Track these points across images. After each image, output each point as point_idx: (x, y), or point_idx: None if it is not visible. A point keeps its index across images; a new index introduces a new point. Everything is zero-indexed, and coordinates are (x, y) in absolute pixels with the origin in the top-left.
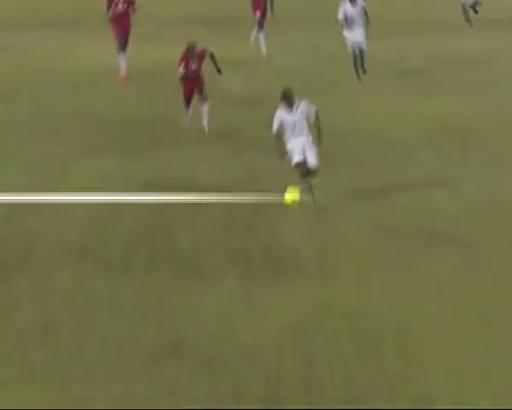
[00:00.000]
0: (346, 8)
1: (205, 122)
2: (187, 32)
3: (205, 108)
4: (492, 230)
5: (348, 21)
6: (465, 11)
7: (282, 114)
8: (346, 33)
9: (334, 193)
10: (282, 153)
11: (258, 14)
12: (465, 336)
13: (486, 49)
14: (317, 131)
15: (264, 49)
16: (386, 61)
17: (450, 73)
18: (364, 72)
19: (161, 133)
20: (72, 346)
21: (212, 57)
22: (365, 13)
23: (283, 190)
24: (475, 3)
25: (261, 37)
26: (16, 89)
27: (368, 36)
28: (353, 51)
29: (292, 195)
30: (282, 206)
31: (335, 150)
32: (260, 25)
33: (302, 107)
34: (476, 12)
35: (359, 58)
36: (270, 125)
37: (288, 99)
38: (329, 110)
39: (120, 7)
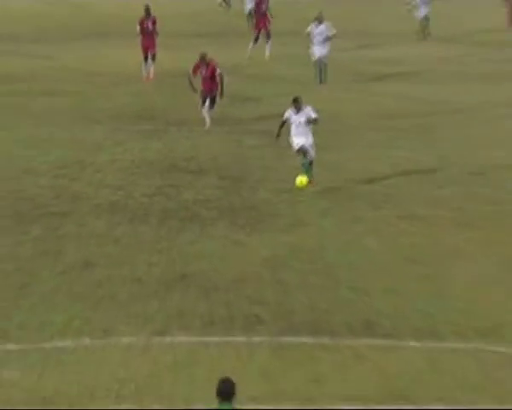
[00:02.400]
0: (312, 28)
1: (207, 122)
2: (191, 42)
3: (209, 112)
4: (419, 187)
5: (314, 39)
6: (421, 25)
7: (290, 114)
8: (311, 48)
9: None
10: (279, 134)
11: (256, 32)
12: (399, 270)
13: (424, 55)
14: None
15: (248, 53)
16: (343, 64)
17: (390, 72)
18: (325, 81)
19: (170, 119)
20: (104, 276)
21: (221, 77)
22: (328, 32)
23: (265, 161)
24: (425, 23)
25: (254, 46)
26: (58, 86)
27: (330, 50)
28: (316, 64)
29: (301, 180)
30: (263, 173)
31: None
32: (256, 40)
33: (306, 110)
34: (426, 29)
35: (321, 69)
36: (259, 118)
37: (297, 103)
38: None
39: (150, 27)
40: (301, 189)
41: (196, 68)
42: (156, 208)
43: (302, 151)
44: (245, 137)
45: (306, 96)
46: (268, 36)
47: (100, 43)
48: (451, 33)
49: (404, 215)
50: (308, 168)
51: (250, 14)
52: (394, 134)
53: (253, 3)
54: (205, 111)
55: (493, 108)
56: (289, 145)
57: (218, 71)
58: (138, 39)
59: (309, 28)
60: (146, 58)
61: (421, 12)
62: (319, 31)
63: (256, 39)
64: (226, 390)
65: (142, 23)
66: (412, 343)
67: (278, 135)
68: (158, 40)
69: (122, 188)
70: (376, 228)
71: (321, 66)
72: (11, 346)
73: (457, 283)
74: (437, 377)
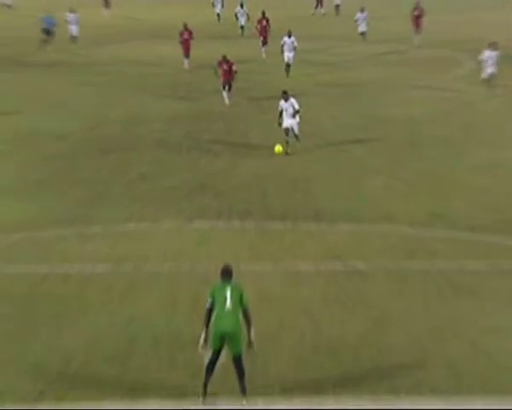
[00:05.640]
0: (285, 39)
1: (226, 101)
2: (214, 42)
3: (229, 94)
4: (346, 131)
5: (285, 46)
6: (361, 35)
7: (281, 102)
8: (284, 52)
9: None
10: (280, 123)
11: (261, 37)
12: (334, 181)
13: (360, 51)
14: (297, 115)
15: (263, 55)
16: (304, 57)
17: (335, 61)
18: (289, 73)
19: (193, 89)
20: (153, 186)
21: (235, 72)
22: (294, 43)
23: (254, 116)
24: (363, 33)
25: (263, 49)
26: (120, 70)
27: (295, 56)
28: (286, 63)
29: (278, 148)
30: (252, 123)
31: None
32: (263, 43)
33: (291, 100)
34: (363, 38)
35: (288, 67)
36: (252, 92)
37: (285, 94)
38: (275, 78)
39: (185, 35)
40: (278, 155)
41: (220, 63)
42: (185, 144)
43: (286, 131)
44: (242, 102)
45: (281, 81)
46: (264, 43)
47: (149, 43)
48: (381, 38)
49: (337, 150)
50: (288, 141)
51: (242, 27)
52: (331, 98)
53: (245, 18)
54: (225, 94)
55: (396, 82)
56: (270, 109)
57: (234, 68)
58: (179, 44)
59: (283, 40)
60: (185, 55)
61: (361, 27)
62: (289, 41)
63: (263, 43)
64: (227, 272)
65: (181, 34)
66: (343, 225)
67: (280, 123)
68: (192, 44)
69: (164, 131)
70: (320, 157)
71: (288, 66)
72: (94, 229)
73: (370, 189)
74: (358, 246)
